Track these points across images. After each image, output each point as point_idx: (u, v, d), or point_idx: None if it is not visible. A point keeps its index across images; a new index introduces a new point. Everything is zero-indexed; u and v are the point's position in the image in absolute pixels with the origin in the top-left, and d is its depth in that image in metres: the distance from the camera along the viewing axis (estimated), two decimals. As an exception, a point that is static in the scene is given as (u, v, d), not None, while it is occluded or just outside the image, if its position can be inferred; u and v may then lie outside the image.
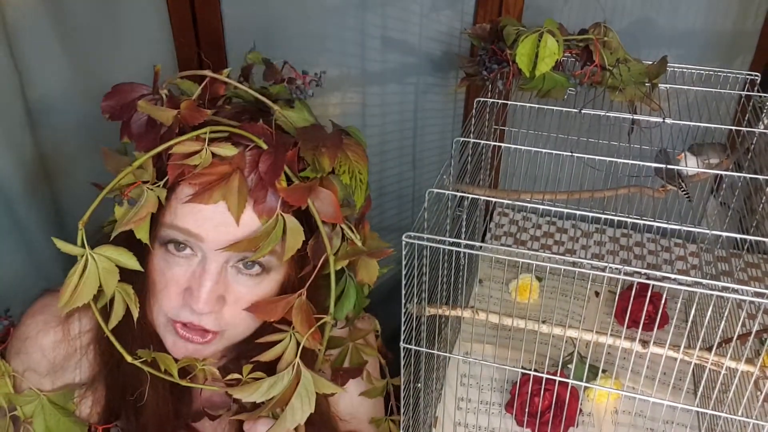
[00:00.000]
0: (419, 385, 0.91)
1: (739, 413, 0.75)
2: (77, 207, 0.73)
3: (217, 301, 0.70)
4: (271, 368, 0.72)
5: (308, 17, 1.29)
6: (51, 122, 1.20)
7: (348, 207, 0.74)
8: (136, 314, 0.69)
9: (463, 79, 1.15)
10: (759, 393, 0.79)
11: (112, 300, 0.69)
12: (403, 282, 0.74)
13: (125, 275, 0.69)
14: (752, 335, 0.74)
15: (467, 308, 0.84)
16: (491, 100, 0.99)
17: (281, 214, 0.68)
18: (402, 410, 0.90)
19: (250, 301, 0.72)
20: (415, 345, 0.82)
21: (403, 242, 0.72)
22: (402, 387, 0.86)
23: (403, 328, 0.79)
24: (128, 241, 0.67)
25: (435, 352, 0.86)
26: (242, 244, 0.67)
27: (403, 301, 0.76)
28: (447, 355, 0.95)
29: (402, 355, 0.81)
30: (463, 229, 0.80)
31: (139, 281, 0.71)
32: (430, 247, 0.73)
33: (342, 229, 0.74)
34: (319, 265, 0.72)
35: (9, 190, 1.14)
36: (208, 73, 0.73)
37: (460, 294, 0.94)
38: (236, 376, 0.73)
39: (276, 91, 0.78)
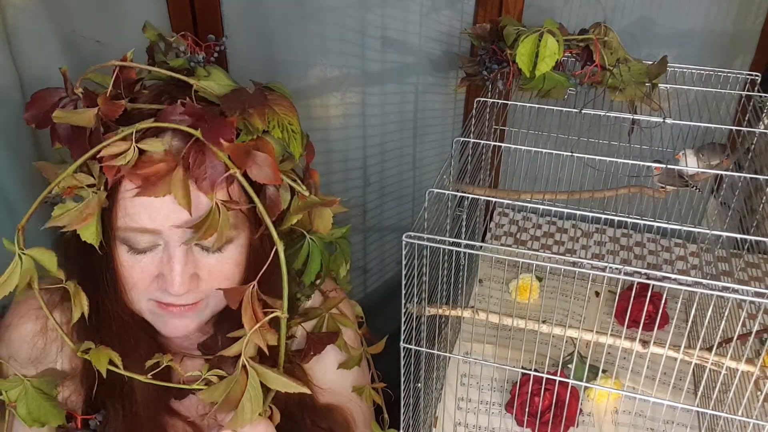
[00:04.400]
0: (419, 385, 0.91)
1: (739, 413, 0.75)
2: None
3: (191, 279, 0.72)
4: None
5: (308, 17, 1.29)
6: (51, 122, 1.20)
7: (289, 160, 0.75)
8: (86, 310, 0.72)
9: (463, 79, 1.15)
10: (759, 393, 0.79)
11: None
12: (403, 282, 0.74)
13: (91, 273, 0.72)
14: (752, 335, 0.74)
15: (467, 308, 0.84)
16: (491, 100, 0.99)
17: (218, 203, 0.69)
18: (402, 410, 0.90)
19: (222, 270, 0.74)
20: (415, 345, 0.82)
21: (403, 242, 0.72)
22: (402, 387, 0.86)
23: (403, 328, 0.79)
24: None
25: (435, 352, 0.86)
26: (199, 231, 0.67)
27: (403, 301, 0.76)
28: (447, 355, 0.95)
29: (402, 355, 0.81)
30: (463, 229, 0.80)
31: (110, 278, 0.73)
32: (430, 247, 0.73)
33: (289, 184, 0.74)
34: (262, 230, 0.72)
35: (9, 190, 1.14)
36: (114, 62, 0.74)
37: (460, 294, 0.94)
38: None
39: (178, 65, 0.78)
